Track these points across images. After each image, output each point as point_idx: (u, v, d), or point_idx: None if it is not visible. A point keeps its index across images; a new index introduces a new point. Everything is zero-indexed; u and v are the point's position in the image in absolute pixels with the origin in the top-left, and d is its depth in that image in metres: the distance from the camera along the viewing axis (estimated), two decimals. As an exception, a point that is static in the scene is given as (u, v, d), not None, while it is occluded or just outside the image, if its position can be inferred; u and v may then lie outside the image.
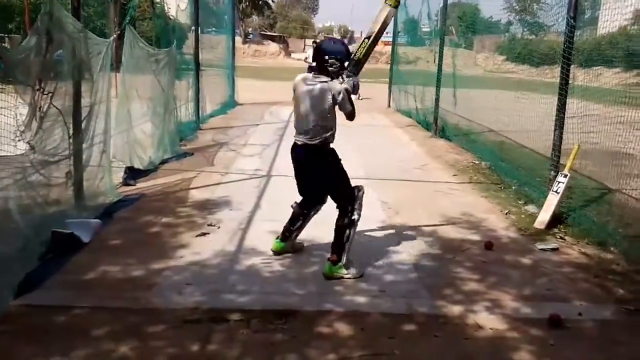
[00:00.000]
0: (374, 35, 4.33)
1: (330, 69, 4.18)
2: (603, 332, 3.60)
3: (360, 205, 4.39)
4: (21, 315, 3.48)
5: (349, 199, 4.35)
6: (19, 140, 3.93)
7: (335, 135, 4.33)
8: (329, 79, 4.17)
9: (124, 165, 6.81)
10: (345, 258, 4.26)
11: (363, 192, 4.45)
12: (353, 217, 4.32)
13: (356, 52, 4.33)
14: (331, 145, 4.32)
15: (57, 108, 4.76)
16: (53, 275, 4.05)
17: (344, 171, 4.38)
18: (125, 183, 6.57)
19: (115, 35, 6.29)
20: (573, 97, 5.92)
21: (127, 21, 6.65)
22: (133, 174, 6.78)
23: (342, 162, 4.38)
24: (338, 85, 4.14)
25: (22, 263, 3.98)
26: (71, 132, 5.15)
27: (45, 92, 4.58)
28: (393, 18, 4.35)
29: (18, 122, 3.89)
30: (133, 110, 7.15)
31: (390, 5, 4.31)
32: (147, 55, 7.70)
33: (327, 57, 4.17)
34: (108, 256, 4.45)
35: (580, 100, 6.05)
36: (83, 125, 5.32)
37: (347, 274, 4.22)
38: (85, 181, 5.34)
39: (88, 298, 3.73)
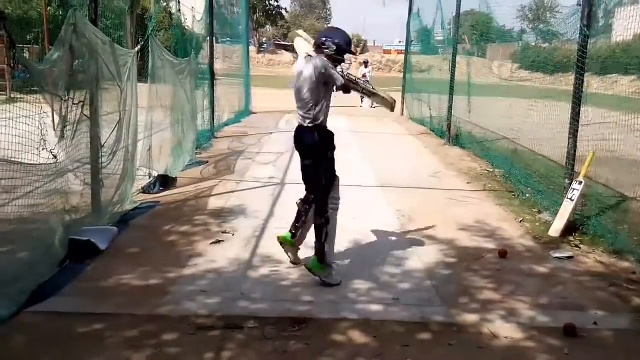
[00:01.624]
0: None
1: (325, 51, 4.23)
2: (619, 341, 3.57)
3: (335, 198, 4.38)
4: (39, 322, 3.53)
5: (324, 190, 4.32)
6: (42, 149, 4.00)
7: (328, 119, 4.31)
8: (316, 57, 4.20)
9: (150, 173, 6.93)
10: (328, 258, 4.30)
11: (337, 183, 4.41)
12: (327, 214, 4.31)
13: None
14: (326, 129, 4.29)
15: (88, 117, 4.90)
16: (70, 282, 4.11)
17: (332, 161, 4.34)
18: (144, 191, 6.65)
19: (139, 47, 6.43)
20: (588, 104, 5.89)
21: (149, 32, 6.80)
22: (162, 183, 6.88)
23: (334, 151, 4.35)
24: (320, 60, 4.14)
25: (40, 270, 4.05)
26: (103, 141, 5.27)
27: (76, 102, 4.68)
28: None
29: (43, 131, 3.96)
30: (157, 119, 7.27)
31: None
32: (171, 65, 7.86)
33: (324, 40, 4.25)
34: (124, 263, 4.51)
35: (595, 107, 6.01)
36: (114, 134, 5.44)
37: (326, 277, 4.24)
38: (106, 189, 5.43)
39: (105, 305, 3.78)
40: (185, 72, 8.62)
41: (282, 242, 4.55)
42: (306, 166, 4.40)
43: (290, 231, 4.55)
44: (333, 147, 4.33)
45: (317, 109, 4.20)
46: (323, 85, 4.17)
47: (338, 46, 4.23)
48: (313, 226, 4.40)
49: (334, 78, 4.14)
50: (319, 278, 4.25)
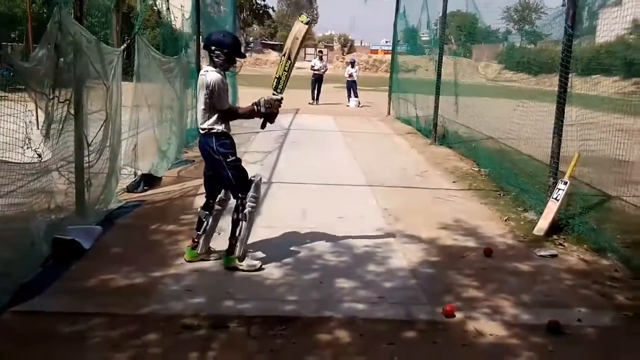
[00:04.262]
0: (288, 51, 4.49)
1: (215, 60, 4.35)
2: (602, 338, 3.62)
3: (254, 197, 4.46)
4: (21, 322, 3.49)
5: (239, 190, 4.44)
6: (27, 148, 3.95)
7: (227, 126, 4.41)
8: (213, 69, 4.32)
9: (135, 172, 6.89)
10: (239, 250, 4.42)
11: (257, 184, 4.49)
12: (245, 211, 4.42)
13: (277, 70, 4.50)
14: (220, 134, 4.37)
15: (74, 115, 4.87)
16: (54, 281, 4.07)
17: (236, 162, 4.43)
18: (129, 189, 6.60)
19: (124, 45, 6.38)
20: (572, 104, 5.95)
21: (136, 30, 6.75)
22: (146, 182, 6.83)
23: (235, 152, 4.44)
24: (214, 75, 4.26)
25: (24, 269, 4.00)
26: (90, 139, 5.22)
27: (62, 100, 4.64)
28: (305, 33, 4.49)
29: (27, 129, 3.92)
30: (144, 117, 7.23)
31: (302, 22, 4.48)
32: (159, 63, 7.81)
33: (212, 48, 4.35)
34: (109, 263, 4.47)
35: (579, 107, 6.07)
36: (101, 133, 5.40)
37: (240, 265, 4.40)
38: (92, 187, 5.37)
39: (88, 305, 3.74)
40: (175, 71, 8.59)
41: (191, 260, 4.54)
42: (209, 170, 4.54)
43: (193, 240, 4.58)
44: (232, 152, 4.40)
45: (213, 118, 4.32)
46: (210, 98, 4.29)
47: (226, 54, 4.34)
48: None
49: (219, 100, 4.29)
50: (237, 268, 4.38)
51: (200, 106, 4.35)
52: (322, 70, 19.95)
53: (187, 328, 3.47)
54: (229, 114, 4.39)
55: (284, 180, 7.62)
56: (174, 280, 4.20)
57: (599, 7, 7.15)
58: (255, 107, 4.41)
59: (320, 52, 22.24)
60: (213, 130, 4.33)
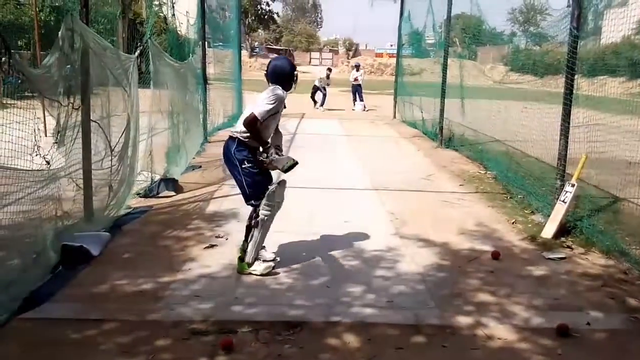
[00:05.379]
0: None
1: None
2: (612, 341, 3.60)
3: (268, 204, 4.44)
4: (31, 329, 3.51)
5: (251, 198, 4.52)
6: (36, 155, 3.98)
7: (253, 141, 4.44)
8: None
9: (152, 177, 6.96)
10: (250, 257, 4.45)
11: (271, 193, 4.45)
12: (257, 219, 4.46)
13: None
14: (243, 143, 4.42)
15: (95, 121, 4.98)
16: (63, 288, 4.09)
17: (252, 170, 4.44)
18: (145, 194, 6.66)
19: (138, 52, 6.45)
20: (578, 106, 5.93)
21: (148, 36, 6.82)
22: (167, 185, 6.89)
23: (254, 162, 4.45)
24: (271, 91, 4.48)
25: (33, 276, 4.03)
26: (112, 144, 5.26)
27: (76, 107, 4.68)
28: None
29: (36, 137, 3.95)
30: (160, 123, 7.26)
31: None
32: (173, 68, 7.89)
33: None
34: (117, 269, 4.49)
35: (585, 109, 6.05)
36: (122, 138, 5.46)
37: (254, 270, 4.44)
38: (100, 193, 5.41)
39: (97, 311, 3.76)
40: (187, 76, 8.66)
41: (241, 272, 4.50)
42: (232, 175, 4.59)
43: (242, 249, 4.55)
44: (249, 159, 4.41)
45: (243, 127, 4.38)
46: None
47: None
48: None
49: (258, 104, 4.37)
50: (250, 273, 4.42)
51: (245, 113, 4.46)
52: (323, 86, 20.07)
53: (196, 333, 3.48)
54: (255, 126, 4.34)
55: (291, 185, 7.60)
56: (183, 286, 4.21)
57: (605, 8, 7.12)
58: (265, 154, 4.45)
59: (329, 69, 22.38)
60: (236, 136, 4.41)
